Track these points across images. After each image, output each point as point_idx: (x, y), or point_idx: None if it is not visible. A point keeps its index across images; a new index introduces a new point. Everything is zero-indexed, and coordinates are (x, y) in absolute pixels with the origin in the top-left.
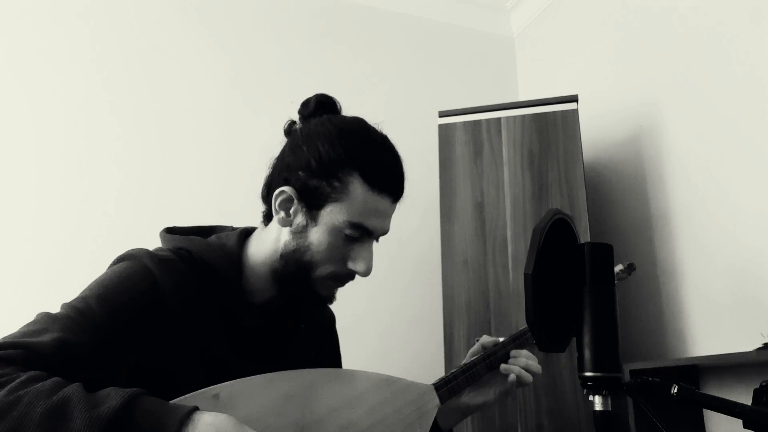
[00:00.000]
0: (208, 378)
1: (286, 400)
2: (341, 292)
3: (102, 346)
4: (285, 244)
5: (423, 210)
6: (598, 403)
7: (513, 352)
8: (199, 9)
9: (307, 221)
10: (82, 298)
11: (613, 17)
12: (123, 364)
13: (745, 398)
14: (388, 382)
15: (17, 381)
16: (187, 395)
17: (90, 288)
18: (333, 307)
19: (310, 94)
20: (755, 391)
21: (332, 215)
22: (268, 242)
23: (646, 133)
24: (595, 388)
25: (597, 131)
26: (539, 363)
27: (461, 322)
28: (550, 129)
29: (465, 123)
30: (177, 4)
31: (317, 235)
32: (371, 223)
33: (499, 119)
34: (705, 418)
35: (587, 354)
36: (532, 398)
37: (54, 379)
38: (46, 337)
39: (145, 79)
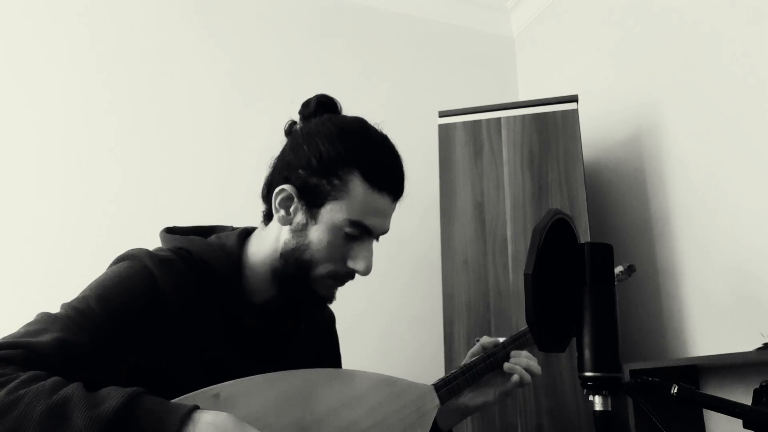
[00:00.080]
0: (207, 378)
1: (286, 400)
2: (341, 292)
3: (102, 346)
4: (285, 243)
5: (423, 210)
6: (598, 403)
7: (513, 353)
8: (199, 9)
9: (307, 219)
10: (82, 298)
11: (613, 17)
12: (123, 363)
13: (745, 398)
14: (388, 382)
15: (17, 381)
16: (187, 395)
17: (90, 288)
18: (333, 307)
19: (310, 94)
20: (755, 391)
21: (332, 213)
22: (268, 241)
23: (646, 133)
24: (595, 388)
25: (597, 131)
26: (539, 363)
27: (461, 322)
28: (550, 129)
29: (465, 123)
30: (178, 5)
31: (317, 234)
32: (371, 221)
33: (499, 119)
34: (705, 418)
35: (587, 354)
36: (532, 398)
37: (54, 378)
38: (46, 337)
39: (145, 78)
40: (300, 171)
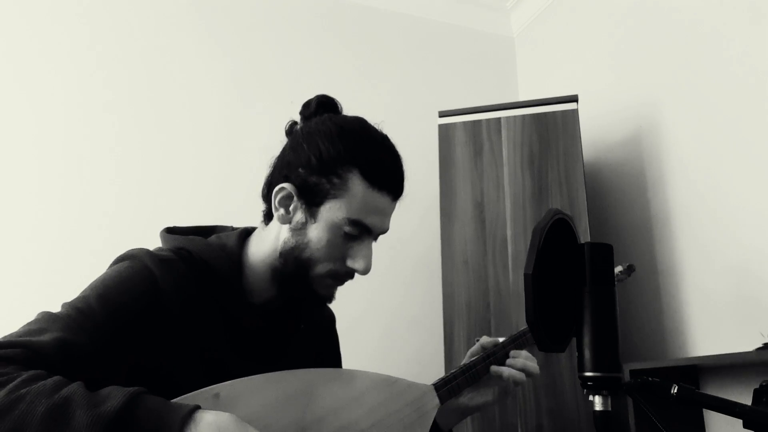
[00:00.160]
0: (207, 378)
1: (286, 400)
2: (341, 292)
3: (102, 345)
4: (284, 242)
5: (423, 210)
6: (598, 403)
7: (512, 353)
8: (199, 9)
9: (306, 218)
10: (83, 298)
11: (613, 17)
12: (123, 363)
13: (745, 398)
14: (388, 382)
15: (18, 380)
16: (187, 395)
17: (90, 288)
18: (333, 307)
19: (310, 94)
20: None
21: (331, 212)
22: (268, 241)
23: (646, 133)
24: (595, 388)
25: (597, 131)
26: (539, 363)
27: (461, 322)
28: (550, 129)
29: (465, 123)
30: (178, 5)
31: (316, 232)
32: (370, 220)
33: (499, 119)
34: (705, 418)
35: (587, 354)
36: (532, 398)
37: (55, 378)
38: (46, 337)
39: (145, 78)
40: (300, 170)
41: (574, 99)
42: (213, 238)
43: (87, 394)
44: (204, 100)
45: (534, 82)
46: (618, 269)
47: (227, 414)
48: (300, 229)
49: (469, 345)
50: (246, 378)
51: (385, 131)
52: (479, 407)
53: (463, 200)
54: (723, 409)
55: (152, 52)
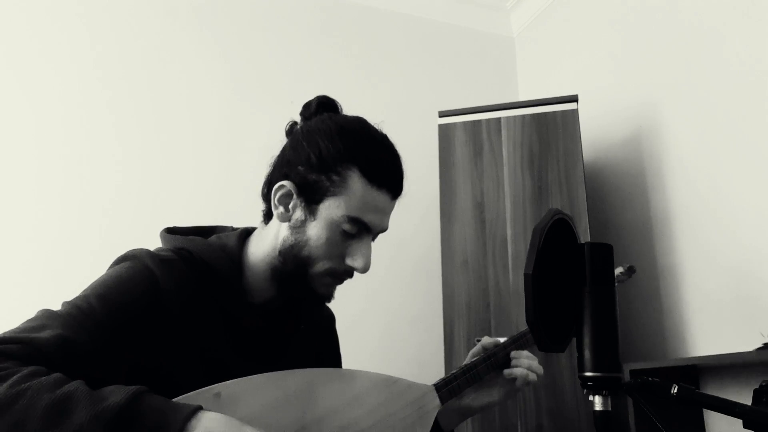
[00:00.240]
0: (208, 378)
1: (286, 400)
2: (341, 293)
3: (102, 344)
4: (284, 240)
5: (423, 210)
6: (598, 403)
7: (513, 354)
8: (199, 9)
9: (305, 216)
10: (84, 297)
11: (613, 17)
12: (123, 363)
13: (745, 398)
14: (389, 382)
15: (19, 375)
16: (188, 394)
17: (91, 287)
18: (333, 307)
19: (310, 94)
20: (755, 391)
21: (331, 209)
22: (268, 240)
23: (646, 133)
24: (595, 388)
25: (597, 131)
26: (539, 363)
27: (461, 322)
28: (550, 129)
29: (465, 123)
30: (178, 5)
31: (315, 230)
32: (369, 218)
33: (499, 119)
34: (705, 418)
35: (587, 354)
36: (532, 398)
37: (56, 374)
38: (46, 333)
39: (145, 79)
40: (299, 168)
41: (574, 99)
42: (213, 238)
43: (89, 391)
44: (204, 100)
45: (534, 82)
46: (619, 270)
47: (228, 417)
48: (299, 227)
49: (469, 345)
50: (246, 378)
51: (385, 131)
52: (483, 407)
53: (463, 200)
54: (723, 409)
55: (152, 52)
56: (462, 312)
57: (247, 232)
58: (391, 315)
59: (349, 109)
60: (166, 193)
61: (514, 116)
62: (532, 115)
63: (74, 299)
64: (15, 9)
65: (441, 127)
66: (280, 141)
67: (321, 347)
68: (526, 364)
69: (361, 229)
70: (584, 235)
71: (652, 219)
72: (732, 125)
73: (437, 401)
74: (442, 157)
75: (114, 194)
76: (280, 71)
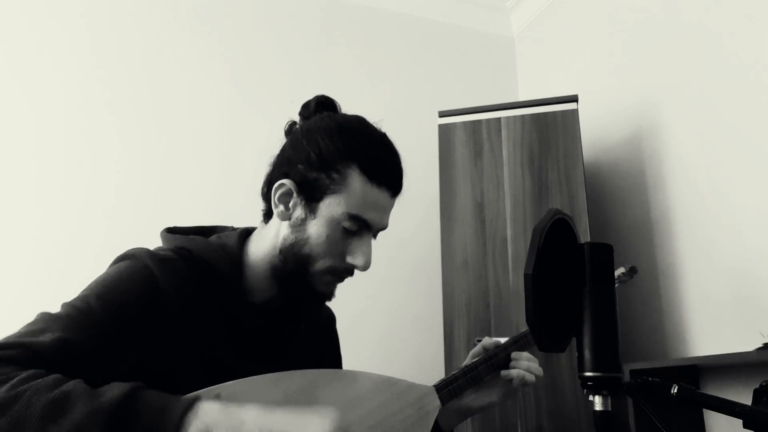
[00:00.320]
0: (208, 378)
1: (286, 401)
2: (341, 293)
3: (102, 345)
4: (284, 239)
5: (423, 210)
6: (598, 403)
7: (514, 354)
8: (199, 9)
9: (306, 214)
10: (83, 298)
11: (612, 17)
12: (123, 363)
13: (745, 398)
14: (389, 383)
15: (18, 378)
16: (188, 395)
17: (90, 287)
18: (333, 307)
19: (310, 94)
20: (755, 391)
21: (331, 207)
22: (268, 239)
23: (646, 133)
24: (595, 388)
25: (597, 131)
26: (539, 363)
27: (461, 322)
28: (550, 129)
29: (465, 123)
30: (178, 5)
31: (316, 228)
32: (370, 215)
33: (499, 119)
34: (705, 418)
35: (587, 354)
36: (532, 398)
37: (55, 375)
38: (46, 337)
39: (145, 78)
40: (299, 166)
41: (574, 99)
42: (214, 238)
43: (87, 389)
44: (204, 100)
45: (534, 82)
46: (620, 271)
47: (223, 405)
48: (299, 225)
49: (469, 345)
50: (247, 378)
51: (384, 131)
52: (483, 408)
53: (463, 200)
54: (723, 409)
55: (152, 52)
56: (462, 312)
57: (248, 232)
58: (391, 315)
59: (349, 109)
60: (166, 194)
61: (514, 116)
62: (532, 115)
63: (73, 300)
64: (15, 9)
65: (441, 127)
66: (279, 141)
67: (322, 348)
68: (524, 365)
69: (362, 227)
70: (584, 235)
71: (652, 219)
72: (732, 125)
73: (437, 402)
74: (442, 157)
75: (114, 194)
76: (280, 71)
